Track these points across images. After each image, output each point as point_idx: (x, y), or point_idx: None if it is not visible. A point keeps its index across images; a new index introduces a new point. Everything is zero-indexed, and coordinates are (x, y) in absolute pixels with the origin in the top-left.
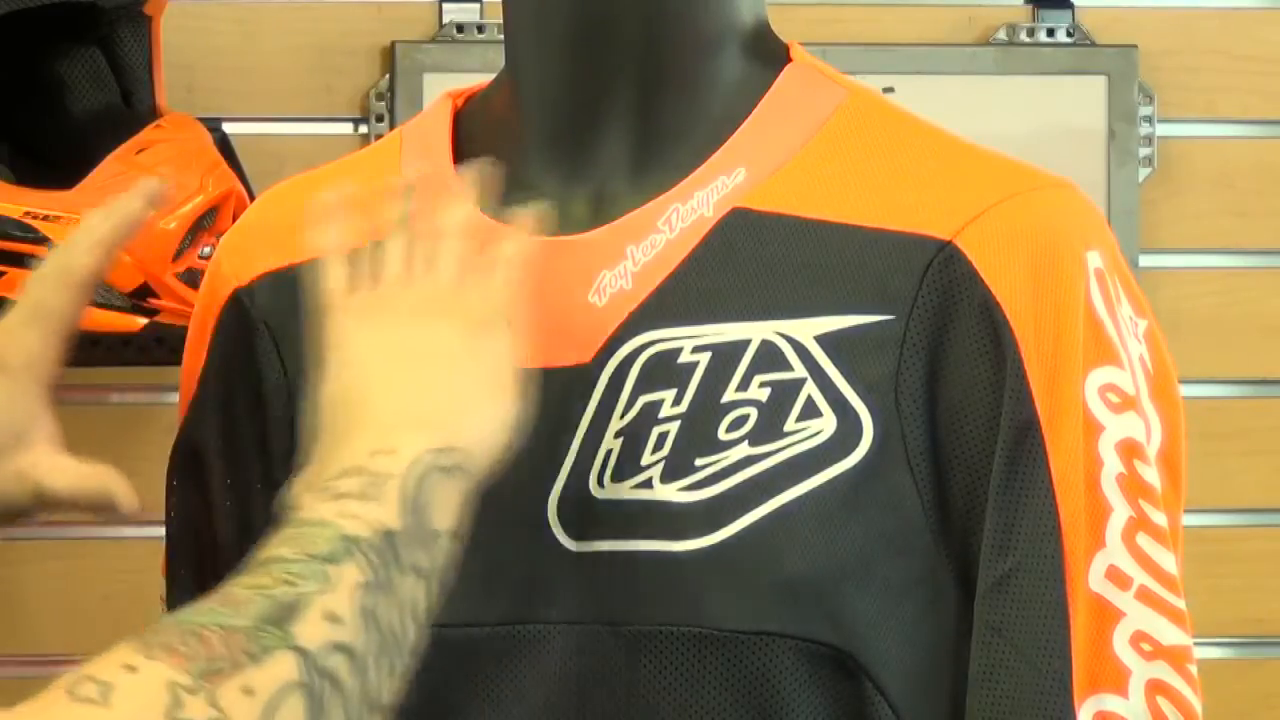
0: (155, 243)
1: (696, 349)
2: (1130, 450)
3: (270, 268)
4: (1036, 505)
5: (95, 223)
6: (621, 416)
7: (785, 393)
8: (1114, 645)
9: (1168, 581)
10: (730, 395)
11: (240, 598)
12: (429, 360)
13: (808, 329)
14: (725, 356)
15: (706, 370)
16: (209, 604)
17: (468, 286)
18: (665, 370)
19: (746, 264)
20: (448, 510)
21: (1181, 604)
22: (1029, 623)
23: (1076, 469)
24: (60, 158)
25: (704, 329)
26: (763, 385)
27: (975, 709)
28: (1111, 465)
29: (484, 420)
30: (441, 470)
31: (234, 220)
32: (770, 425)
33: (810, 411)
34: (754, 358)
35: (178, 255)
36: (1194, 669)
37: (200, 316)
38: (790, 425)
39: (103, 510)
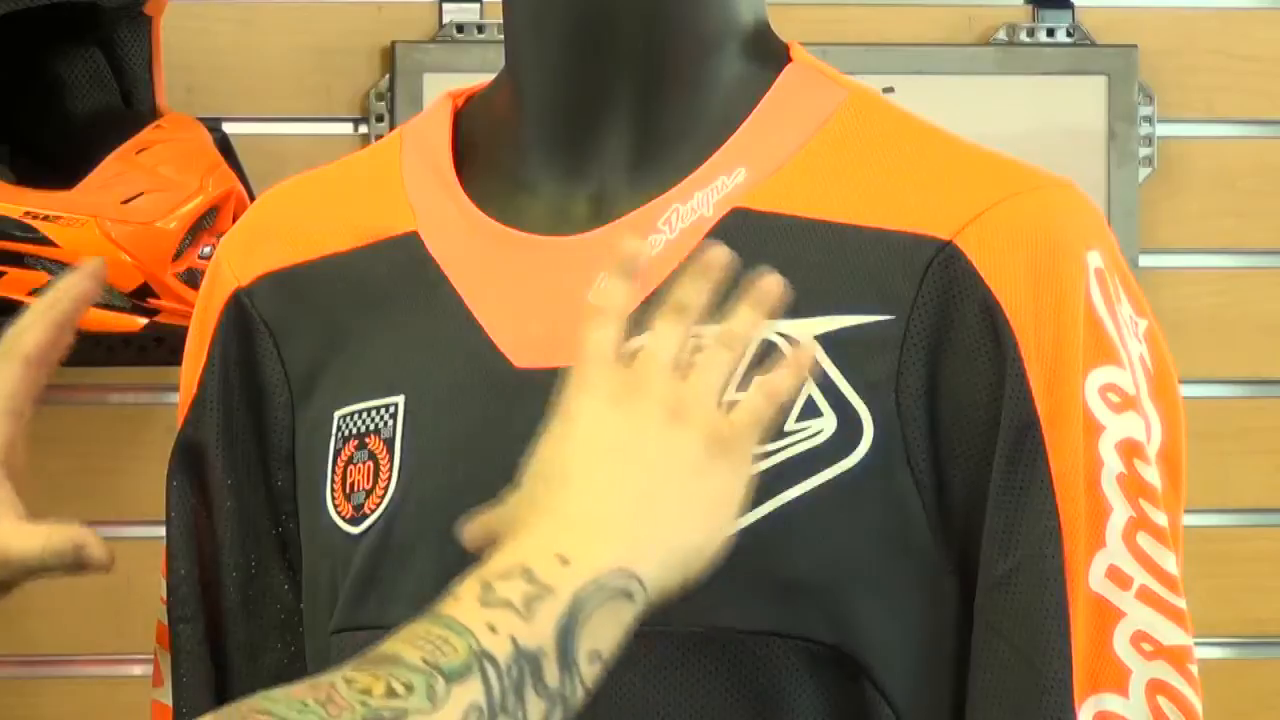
0: (155, 243)
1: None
2: (1130, 450)
3: (271, 268)
4: (1037, 505)
5: (42, 303)
6: None
7: None
8: (1114, 645)
9: (1168, 581)
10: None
11: (341, 700)
12: (652, 466)
13: (808, 329)
14: None
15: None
16: (306, 695)
17: (730, 405)
18: None
19: (745, 264)
20: (604, 637)
21: (1182, 604)
22: (1029, 623)
23: (1077, 469)
24: (60, 158)
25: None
26: None
27: (975, 709)
28: (1112, 465)
29: (680, 545)
30: (612, 593)
31: (234, 220)
32: (770, 425)
33: (811, 411)
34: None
35: (178, 255)
36: (1195, 669)
37: (201, 316)
38: (790, 425)
39: (78, 567)
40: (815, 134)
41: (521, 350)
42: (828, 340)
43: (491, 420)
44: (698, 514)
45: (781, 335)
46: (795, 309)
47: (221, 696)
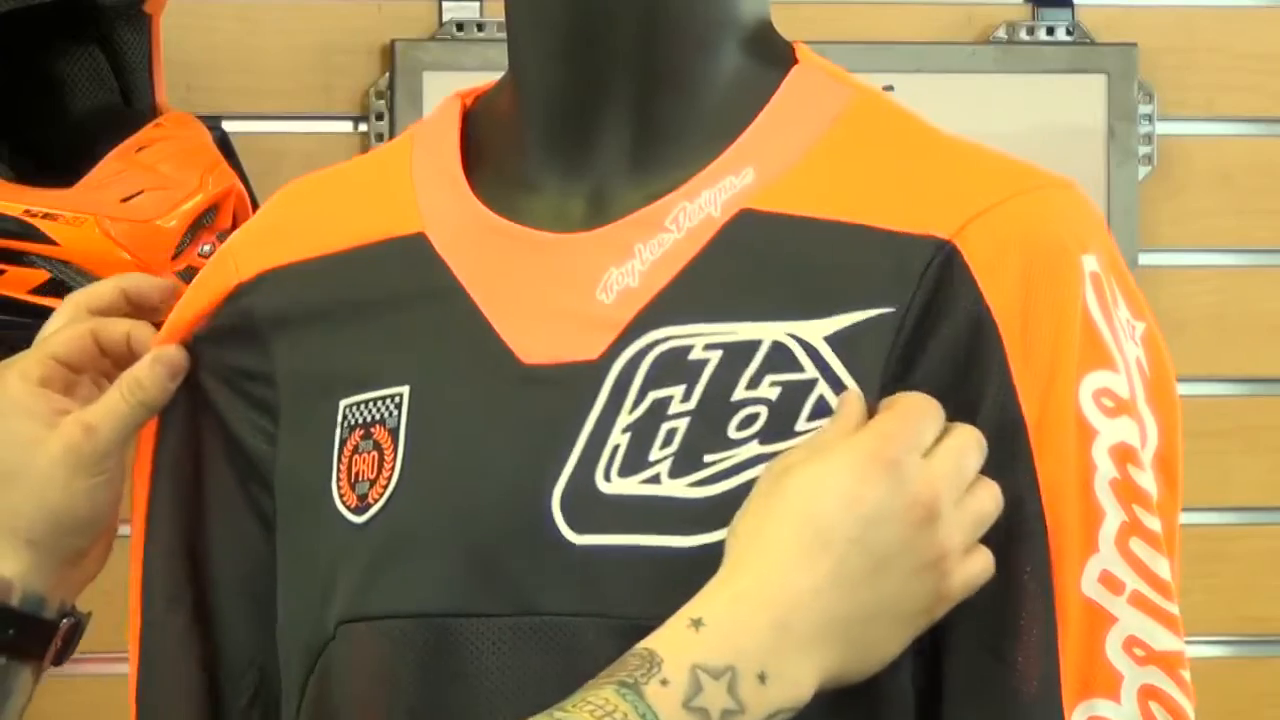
0: (155, 241)
1: (707, 347)
2: (1124, 455)
3: (274, 264)
4: (1023, 510)
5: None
6: (630, 412)
7: (797, 393)
8: (1106, 650)
9: (1161, 586)
10: (741, 394)
11: None
12: (868, 565)
13: (817, 330)
14: (736, 355)
15: (717, 368)
16: None
17: (969, 550)
18: (675, 367)
19: (755, 265)
20: None
21: (1175, 609)
22: (1016, 628)
23: (1067, 474)
24: (60, 156)
25: (714, 328)
26: (773, 385)
27: (965, 715)
28: (1105, 470)
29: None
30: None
31: (233, 218)
32: (781, 424)
33: (822, 411)
34: (765, 358)
35: (177, 254)
36: (1187, 674)
37: (195, 303)
38: (801, 425)
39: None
40: (822, 136)
41: (528, 346)
42: (836, 340)
43: (497, 414)
44: (891, 644)
45: (792, 336)
46: (805, 310)
47: (214, 686)
